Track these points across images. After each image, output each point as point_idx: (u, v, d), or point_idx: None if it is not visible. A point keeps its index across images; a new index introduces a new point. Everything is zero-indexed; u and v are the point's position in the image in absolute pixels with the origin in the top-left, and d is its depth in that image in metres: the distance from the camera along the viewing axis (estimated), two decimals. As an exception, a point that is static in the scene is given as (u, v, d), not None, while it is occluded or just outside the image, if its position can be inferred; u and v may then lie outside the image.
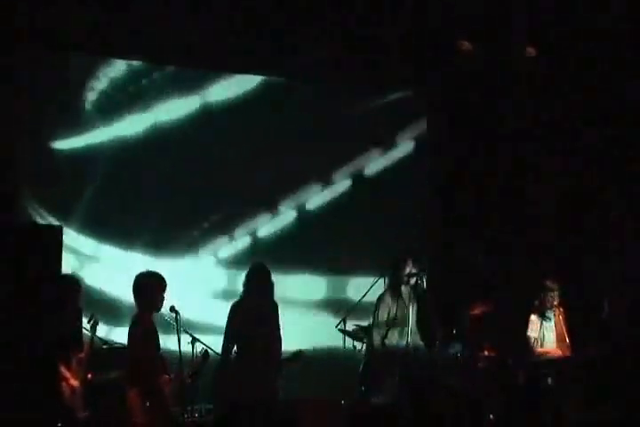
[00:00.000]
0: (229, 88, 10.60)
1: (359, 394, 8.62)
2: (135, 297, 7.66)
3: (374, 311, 8.55)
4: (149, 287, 7.68)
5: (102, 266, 9.89)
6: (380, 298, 8.60)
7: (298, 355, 8.57)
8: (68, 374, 7.90)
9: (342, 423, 8.70)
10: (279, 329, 8.19)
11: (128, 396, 7.61)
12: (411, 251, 8.84)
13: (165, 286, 7.71)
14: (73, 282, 8.29)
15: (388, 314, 8.42)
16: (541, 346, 9.11)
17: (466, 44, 9.75)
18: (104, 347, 8.25)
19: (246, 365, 8.03)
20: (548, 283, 9.25)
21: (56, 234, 7.88)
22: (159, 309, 7.69)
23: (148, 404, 7.53)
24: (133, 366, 7.64)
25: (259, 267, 8.38)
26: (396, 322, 8.41)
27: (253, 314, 8.12)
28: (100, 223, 9.86)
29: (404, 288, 8.50)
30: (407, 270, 8.49)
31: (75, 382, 7.92)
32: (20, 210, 9.28)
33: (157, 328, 7.67)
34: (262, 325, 8.14)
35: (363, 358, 8.76)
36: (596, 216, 10.35)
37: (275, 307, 8.22)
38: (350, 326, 9.11)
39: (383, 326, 8.41)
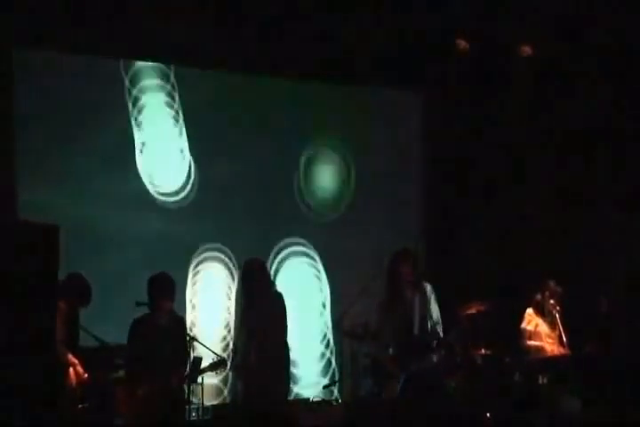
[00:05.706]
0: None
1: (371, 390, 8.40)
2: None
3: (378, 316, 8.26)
4: (159, 289, 7.87)
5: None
6: (382, 304, 8.26)
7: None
8: (75, 361, 7.94)
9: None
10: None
11: (128, 394, 7.66)
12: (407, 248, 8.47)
13: (173, 286, 7.91)
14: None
15: (392, 320, 8.18)
16: (535, 339, 9.10)
17: (462, 44, 9.77)
18: (99, 347, 8.25)
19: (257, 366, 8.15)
20: (551, 284, 9.24)
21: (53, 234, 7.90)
22: (170, 307, 7.89)
23: (147, 402, 7.60)
24: (135, 364, 7.69)
25: (257, 266, 8.39)
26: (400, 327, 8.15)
27: (267, 315, 8.20)
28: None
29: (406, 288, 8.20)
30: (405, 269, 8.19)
31: (81, 370, 7.94)
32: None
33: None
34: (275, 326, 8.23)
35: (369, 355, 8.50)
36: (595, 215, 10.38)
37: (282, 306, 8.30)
38: (347, 325, 8.75)
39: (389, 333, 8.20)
